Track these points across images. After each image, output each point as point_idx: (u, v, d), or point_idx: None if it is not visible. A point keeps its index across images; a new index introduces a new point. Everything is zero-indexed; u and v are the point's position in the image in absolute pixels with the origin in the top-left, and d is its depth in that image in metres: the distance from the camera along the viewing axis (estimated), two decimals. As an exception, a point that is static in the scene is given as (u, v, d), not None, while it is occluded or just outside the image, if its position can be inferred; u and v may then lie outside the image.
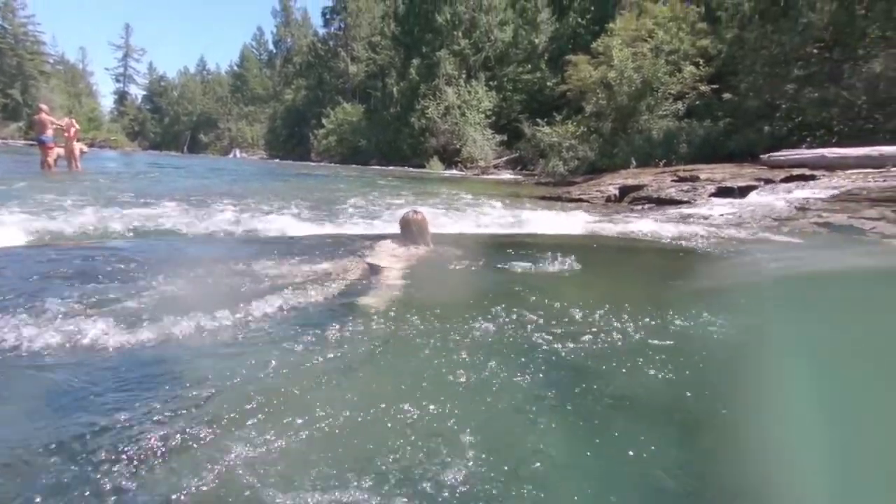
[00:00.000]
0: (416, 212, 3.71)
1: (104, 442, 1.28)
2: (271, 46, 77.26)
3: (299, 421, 1.41)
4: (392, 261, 3.35)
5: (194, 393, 1.56)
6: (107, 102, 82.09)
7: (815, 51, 13.53)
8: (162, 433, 1.32)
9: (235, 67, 76.64)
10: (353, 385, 1.69)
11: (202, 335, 2.03)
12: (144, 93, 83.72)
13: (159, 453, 1.25)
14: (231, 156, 60.33)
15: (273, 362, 1.79)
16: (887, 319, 2.37)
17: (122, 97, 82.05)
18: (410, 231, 3.61)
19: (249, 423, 1.41)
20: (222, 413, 1.45)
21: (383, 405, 1.53)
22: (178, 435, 1.32)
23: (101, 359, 1.80)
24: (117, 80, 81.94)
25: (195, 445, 1.29)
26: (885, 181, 7.36)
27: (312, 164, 38.67)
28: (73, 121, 12.11)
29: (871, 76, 11.57)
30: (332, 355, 1.89)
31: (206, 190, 9.24)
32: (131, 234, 4.48)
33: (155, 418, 1.40)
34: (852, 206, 6.40)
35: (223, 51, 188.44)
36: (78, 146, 12.30)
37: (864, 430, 1.49)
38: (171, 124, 78.78)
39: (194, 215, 5.45)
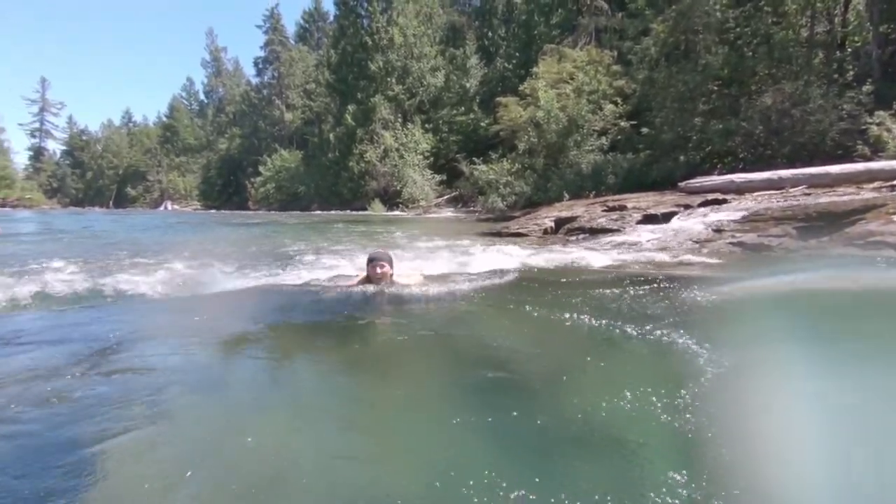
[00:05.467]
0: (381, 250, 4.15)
1: None
2: (202, 96, 75.93)
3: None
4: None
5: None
6: (21, 159, 76.76)
7: (715, 88, 15.03)
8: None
9: (164, 118, 74.37)
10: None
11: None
12: (64, 147, 79.20)
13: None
14: (162, 208, 57.80)
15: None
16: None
17: (38, 153, 77.13)
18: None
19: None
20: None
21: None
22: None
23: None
24: (33, 136, 77.19)
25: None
26: (785, 201, 8.13)
27: (251, 212, 37.69)
28: None
29: (764, 108, 12.95)
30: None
31: (137, 246, 8.74)
32: (54, 303, 4.13)
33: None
34: (760, 225, 7.00)
35: (150, 103, 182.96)
36: None
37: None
38: (94, 179, 74.60)
39: (124, 276, 5.10)
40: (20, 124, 77.70)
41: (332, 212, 31.44)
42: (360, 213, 29.09)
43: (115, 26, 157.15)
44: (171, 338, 2.88)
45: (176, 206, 58.47)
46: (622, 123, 17.55)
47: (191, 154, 67.71)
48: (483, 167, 19.96)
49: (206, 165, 62.55)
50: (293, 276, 5.39)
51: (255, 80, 59.53)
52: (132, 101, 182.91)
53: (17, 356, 2.47)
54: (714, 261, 5.61)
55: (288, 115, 51.55)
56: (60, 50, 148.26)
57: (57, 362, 2.38)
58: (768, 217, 7.13)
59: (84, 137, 78.51)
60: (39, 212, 40.60)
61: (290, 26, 57.96)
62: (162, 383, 2.08)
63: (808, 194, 8.42)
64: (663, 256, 6.09)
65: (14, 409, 1.83)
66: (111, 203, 68.79)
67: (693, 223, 8.05)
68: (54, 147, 79.38)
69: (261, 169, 45.98)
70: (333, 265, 6.32)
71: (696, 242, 6.95)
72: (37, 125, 76.80)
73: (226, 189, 56.61)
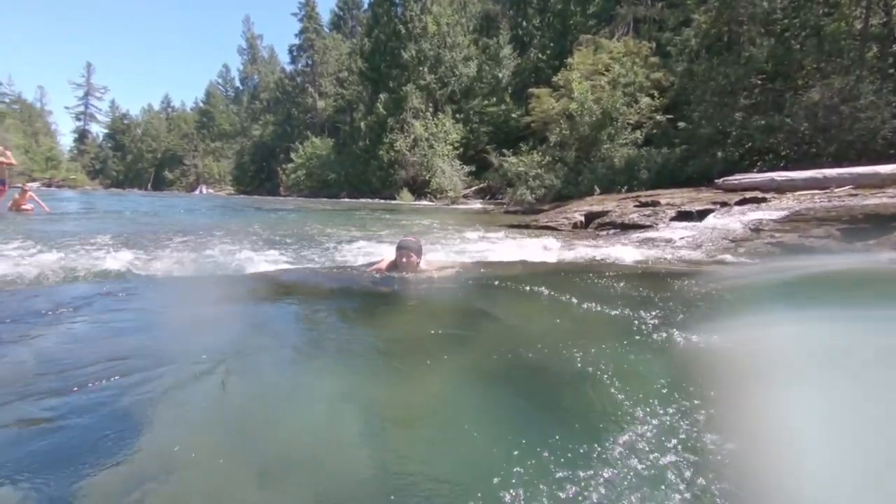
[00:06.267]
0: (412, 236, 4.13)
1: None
2: (238, 83, 77.62)
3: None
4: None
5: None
6: (66, 141, 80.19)
7: (758, 82, 14.45)
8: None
9: (201, 104, 76.30)
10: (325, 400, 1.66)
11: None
12: (106, 131, 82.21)
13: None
14: (197, 192, 59.46)
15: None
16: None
17: (82, 135, 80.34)
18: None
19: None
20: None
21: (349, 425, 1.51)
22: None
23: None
24: (78, 119, 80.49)
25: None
26: (829, 202, 7.79)
27: (282, 198, 38.37)
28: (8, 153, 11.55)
29: (811, 104, 12.39)
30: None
31: (180, 227, 9.03)
32: (106, 276, 4.31)
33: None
34: (802, 225, 6.73)
35: (188, 88, 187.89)
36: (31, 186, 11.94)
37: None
38: (134, 161, 77.27)
39: (165, 255, 5.29)
40: (66, 107, 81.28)
41: (361, 200, 31.75)
42: (389, 201, 29.28)
43: (155, 13, 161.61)
44: (206, 317, 2.97)
45: (210, 191, 60.06)
46: (658, 117, 17.11)
47: (225, 140, 69.32)
48: (513, 159, 19.78)
49: (240, 151, 63.94)
50: (321, 259, 5.49)
51: (289, 68, 60.39)
52: (171, 87, 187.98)
53: (60, 326, 2.59)
54: (751, 261, 5.44)
55: (320, 103, 52.11)
56: (105, 35, 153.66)
57: (97, 335, 2.50)
58: (811, 217, 6.86)
59: (125, 121, 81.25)
60: (82, 192, 42.33)
61: (325, 14, 58.50)
62: (192, 360, 2.16)
63: (855, 195, 8.05)
64: (697, 254, 5.93)
65: (49, 378, 1.93)
66: (149, 185, 71.14)
67: (730, 221, 7.81)
68: (97, 130, 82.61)
69: (292, 156, 46.66)
70: (361, 248, 6.43)
71: (733, 241, 6.74)
72: (82, 109, 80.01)
73: (258, 175, 57.80)
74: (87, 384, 1.84)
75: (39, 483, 1.24)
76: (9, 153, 11.56)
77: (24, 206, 11.24)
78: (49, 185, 50.60)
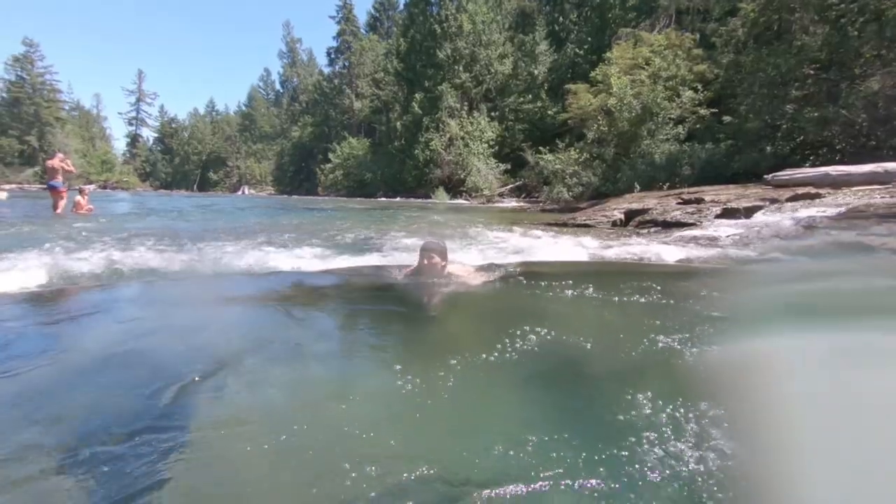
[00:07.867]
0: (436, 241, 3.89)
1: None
2: (278, 86, 79.85)
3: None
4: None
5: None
6: (119, 145, 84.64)
7: (811, 72, 13.72)
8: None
9: (244, 107, 78.94)
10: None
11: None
12: (156, 135, 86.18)
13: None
14: (240, 192, 61.50)
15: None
16: None
17: (134, 140, 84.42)
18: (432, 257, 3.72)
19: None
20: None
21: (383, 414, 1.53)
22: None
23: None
24: (130, 124, 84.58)
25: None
26: (892, 197, 7.33)
27: (320, 198, 39.19)
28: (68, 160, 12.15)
29: (870, 94, 11.68)
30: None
31: (229, 229, 9.38)
32: (155, 277, 4.52)
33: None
34: (860, 222, 6.35)
35: (232, 92, 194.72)
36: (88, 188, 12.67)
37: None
38: (181, 164, 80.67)
39: (216, 256, 5.46)
40: (120, 113, 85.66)
41: (397, 199, 32.06)
42: (424, 200, 29.44)
43: (201, 21, 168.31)
44: (244, 315, 3.07)
45: (252, 191, 62.05)
46: (702, 111, 16.49)
47: (266, 141, 71.47)
48: (549, 156, 19.51)
49: (280, 152, 65.77)
50: (357, 257, 5.54)
51: (327, 70, 61.67)
52: (216, 91, 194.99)
53: (104, 325, 2.74)
54: (804, 259, 5.18)
55: (357, 104, 52.92)
56: (155, 42, 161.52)
57: (139, 334, 2.62)
58: (870, 214, 6.47)
59: (173, 125, 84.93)
60: (134, 193, 44.60)
61: (362, 16, 59.42)
62: (231, 357, 2.23)
63: (920, 190, 7.55)
64: (745, 253, 5.69)
65: (92, 367, 2.03)
66: (195, 187, 74.09)
67: (780, 218, 7.46)
68: (148, 134, 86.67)
69: (330, 156, 47.60)
70: (397, 246, 6.49)
71: (783, 239, 6.43)
72: (133, 114, 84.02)
73: (297, 175, 59.31)
74: (124, 384, 1.94)
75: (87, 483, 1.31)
76: (69, 160, 12.26)
77: (86, 207, 11.94)
78: (104, 188, 53.52)
